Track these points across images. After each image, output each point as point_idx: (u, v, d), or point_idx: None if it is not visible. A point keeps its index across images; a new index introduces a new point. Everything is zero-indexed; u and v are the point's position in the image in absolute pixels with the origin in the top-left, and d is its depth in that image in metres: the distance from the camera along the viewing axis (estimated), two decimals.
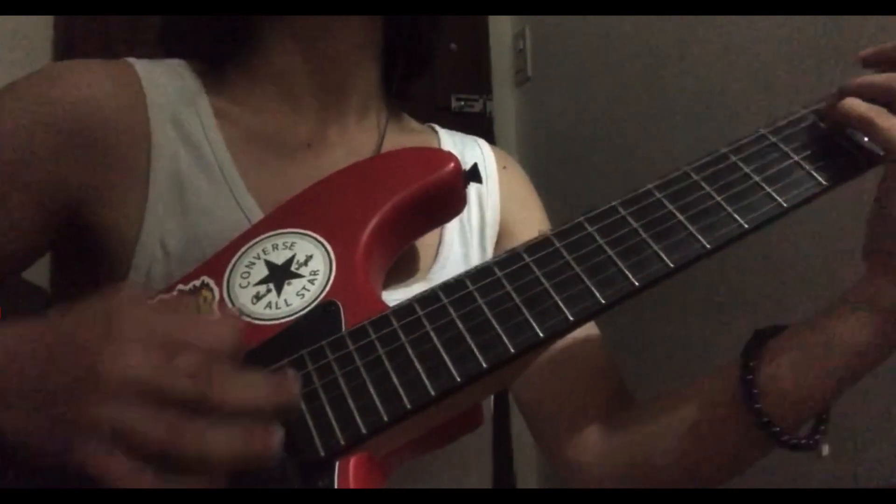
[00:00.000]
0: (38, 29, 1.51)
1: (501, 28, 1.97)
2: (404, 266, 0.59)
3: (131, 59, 0.59)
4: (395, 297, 0.56)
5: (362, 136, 0.65)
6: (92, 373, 0.35)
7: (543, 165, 1.84)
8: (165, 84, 0.59)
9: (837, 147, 0.48)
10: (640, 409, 0.60)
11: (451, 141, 0.71)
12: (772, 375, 0.50)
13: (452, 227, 0.64)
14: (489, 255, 0.67)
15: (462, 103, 1.88)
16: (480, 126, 1.87)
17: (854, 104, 0.47)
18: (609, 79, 1.56)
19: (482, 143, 0.73)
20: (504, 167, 0.71)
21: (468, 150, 0.71)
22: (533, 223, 0.69)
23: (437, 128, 0.73)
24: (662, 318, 1.30)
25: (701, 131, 1.27)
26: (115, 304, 0.39)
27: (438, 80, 1.83)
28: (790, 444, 0.50)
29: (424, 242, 0.61)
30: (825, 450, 0.51)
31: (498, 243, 0.68)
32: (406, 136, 0.69)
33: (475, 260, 0.65)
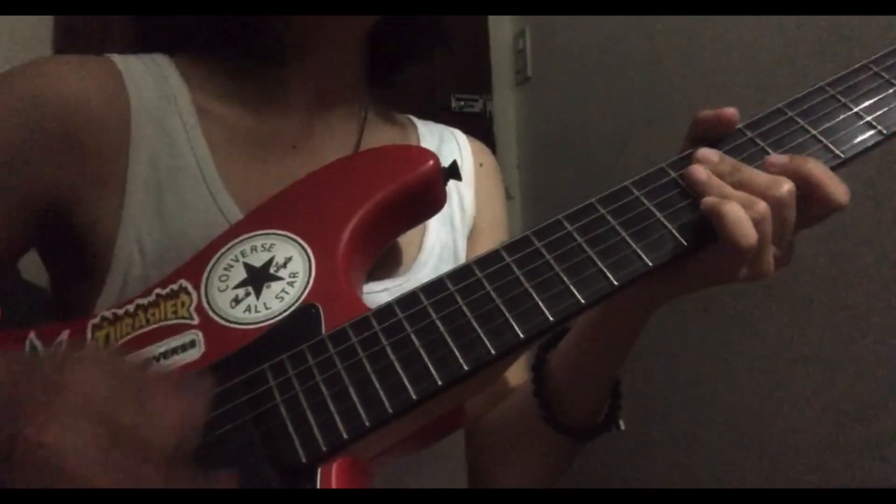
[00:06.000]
0: (38, 29, 1.51)
1: (501, 28, 1.97)
2: (389, 258, 0.59)
3: (112, 56, 0.58)
4: (379, 288, 0.56)
5: (347, 135, 0.65)
6: (7, 440, 0.32)
7: (543, 165, 1.83)
8: (147, 81, 0.57)
9: None
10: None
11: (428, 134, 0.71)
12: (554, 384, 0.56)
13: (435, 217, 0.63)
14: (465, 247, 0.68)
15: (462, 103, 1.88)
16: (480, 126, 1.87)
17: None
18: (609, 79, 1.56)
19: (459, 134, 0.73)
20: (480, 164, 0.72)
21: (446, 142, 0.71)
22: (498, 225, 0.71)
23: (415, 120, 0.73)
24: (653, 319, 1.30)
25: None
26: (68, 364, 0.35)
27: (438, 80, 1.83)
28: (590, 432, 0.56)
29: (408, 233, 0.60)
30: (622, 424, 0.57)
31: (469, 237, 0.68)
32: (387, 128, 0.69)
33: (461, 250, 0.65)
